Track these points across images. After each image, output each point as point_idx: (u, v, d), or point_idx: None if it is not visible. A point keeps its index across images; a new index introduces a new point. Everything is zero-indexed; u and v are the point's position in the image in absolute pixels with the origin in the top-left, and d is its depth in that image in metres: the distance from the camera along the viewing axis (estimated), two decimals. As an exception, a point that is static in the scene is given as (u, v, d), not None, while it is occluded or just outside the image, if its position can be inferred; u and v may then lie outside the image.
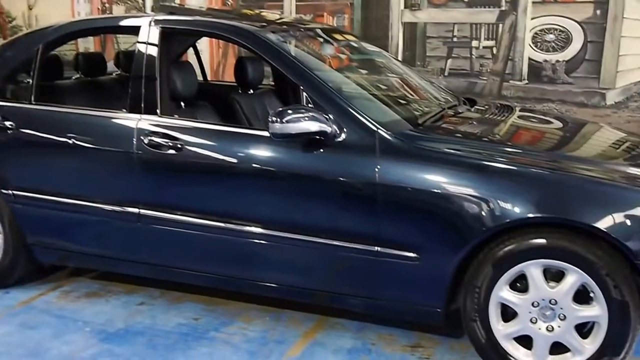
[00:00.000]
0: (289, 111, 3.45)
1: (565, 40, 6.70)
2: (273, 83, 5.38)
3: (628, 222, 3.06)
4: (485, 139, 3.80)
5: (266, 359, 3.64)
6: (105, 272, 4.57)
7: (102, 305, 4.26)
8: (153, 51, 4.00)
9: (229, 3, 7.83)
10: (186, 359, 3.63)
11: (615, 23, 6.45)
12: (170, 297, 4.36)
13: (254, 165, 3.65)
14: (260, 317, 4.08)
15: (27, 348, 3.75)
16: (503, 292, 3.28)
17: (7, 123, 4.21)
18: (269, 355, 3.66)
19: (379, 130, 3.46)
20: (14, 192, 4.24)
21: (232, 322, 4.03)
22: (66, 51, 5.13)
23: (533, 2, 6.78)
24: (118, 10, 8.31)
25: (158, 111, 3.91)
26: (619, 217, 3.07)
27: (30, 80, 4.31)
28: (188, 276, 4.03)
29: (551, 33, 6.75)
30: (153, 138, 3.83)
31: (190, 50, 5.61)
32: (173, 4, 7.34)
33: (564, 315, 3.20)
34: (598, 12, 6.54)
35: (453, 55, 7.22)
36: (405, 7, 7.29)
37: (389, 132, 3.46)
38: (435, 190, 3.30)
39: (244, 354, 3.68)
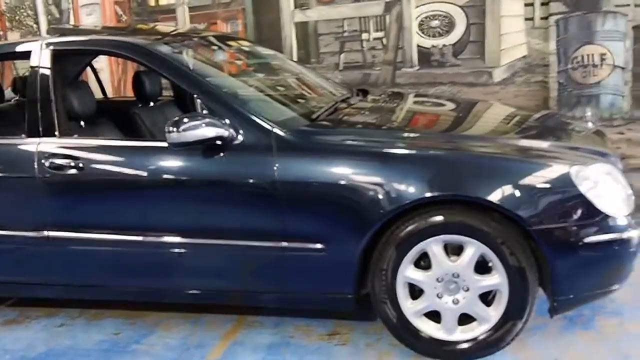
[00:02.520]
0: (185, 119, 3.37)
1: (449, 24, 6.74)
2: (173, 94, 5.27)
3: (518, 192, 3.10)
4: (380, 127, 3.83)
5: (188, 363, 3.57)
6: (23, 298, 4.41)
7: (21, 331, 4.11)
8: (46, 74, 3.87)
9: (123, 20, 7.67)
10: (109, 374, 3.55)
11: (493, 4, 6.52)
12: (89, 315, 4.22)
13: (156, 176, 3.57)
14: (180, 325, 3.99)
15: (-54, 382, 3.62)
16: (408, 272, 3.28)
17: None
18: (190, 360, 3.61)
19: (274, 129, 3.42)
20: None
21: (152, 333, 3.93)
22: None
23: (416, -8, 6.83)
24: (13, 36, 8.07)
25: (57, 133, 3.79)
26: (509, 188, 3.10)
27: None
28: (106, 292, 3.92)
29: (435, 19, 6.79)
30: (54, 160, 3.70)
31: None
32: (64, 26, 7.15)
33: (467, 287, 3.23)
34: (477, -5, 6.63)
35: (345, 49, 7.20)
36: (295, 8, 7.26)
37: (284, 130, 3.42)
38: (334, 181, 3.28)
39: (166, 362, 3.61)
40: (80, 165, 3.66)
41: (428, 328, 3.33)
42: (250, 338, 3.75)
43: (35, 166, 3.72)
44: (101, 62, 7.41)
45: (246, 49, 4.97)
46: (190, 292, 3.72)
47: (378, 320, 3.49)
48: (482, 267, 3.21)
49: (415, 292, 3.33)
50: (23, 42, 4.43)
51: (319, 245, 3.33)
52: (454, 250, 3.24)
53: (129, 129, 4.42)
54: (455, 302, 3.24)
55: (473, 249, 3.16)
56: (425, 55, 6.90)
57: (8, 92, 5.31)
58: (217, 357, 3.60)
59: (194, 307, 4.01)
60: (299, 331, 3.78)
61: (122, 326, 4.04)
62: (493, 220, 3.12)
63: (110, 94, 5.81)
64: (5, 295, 4.39)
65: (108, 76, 7.68)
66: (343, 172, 3.28)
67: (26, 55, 4.02)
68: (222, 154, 3.44)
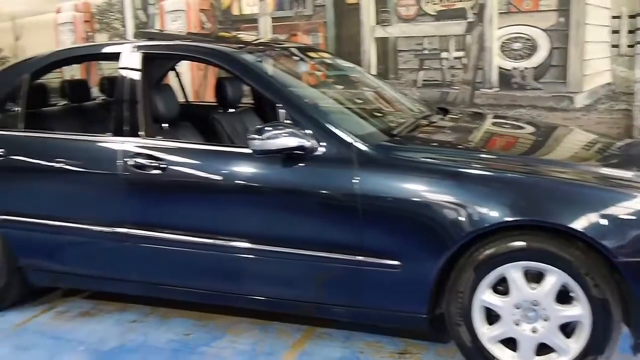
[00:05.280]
0: (268, 128, 3.35)
1: (531, 47, 6.62)
2: (253, 101, 5.26)
3: (603, 221, 2.96)
4: (460, 146, 3.72)
5: (256, 371, 3.51)
6: (97, 292, 4.42)
7: (95, 324, 4.13)
8: (134, 76, 3.92)
9: (207, 27, 7.72)
10: (178, 375, 3.52)
11: (578, 29, 6.39)
12: (160, 313, 4.21)
13: (235, 181, 3.56)
14: (249, 330, 3.93)
15: (22, 370, 3.64)
16: (485, 296, 3.16)
17: (-2, 150, 4.14)
18: (259, 368, 3.54)
19: (356, 143, 3.36)
20: (5, 216, 4.13)
21: (222, 336, 3.88)
22: (52, 79, 5.00)
23: (499, 13, 6.71)
24: (101, 38, 8.23)
25: (141, 133, 3.82)
26: (593, 216, 2.97)
27: (19, 109, 4.24)
28: (177, 293, 3.91)
29: (518, 41, 6.68)
30: (137, 159, 3.73)
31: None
32: (153, 30, 7.22)
33: (547, 316, 3.08)
34: (561, 19, 6.47)
35: (424, 67, 7.13)
36: (376, 24, 7.21)
37: (365, 144, 3.37)
38: (414, 199, 3.19)
39: (234, 367, 3.56)
40: (163, 165, 3.67)
41: (504, 355, 3.19)
42: (319, 350, 3.68)
43: (119, 164, 3.76)
44: (182, 67, 7.47)
45: (327, 60, 4.95)
46: (262, 298, 3.68)
47: (450, 343, 3.38)
48: (563, 296, 3.06)
49: (492, 317, 3.21)
50: (113, 44, 4.54)
51: (395, 262, 3.25)
52: (533, 277, 3.10)
53: (208, 133, 4.44)
54: (534, 330, 3.10)
55: (555, 278, 3.02)
56: (505, 77, 6.79)
57: (94, 92, 5.39)
58: (286, 366, 3.55)
59: (262, 313, 3.96)
60: (369, 347, 3.68)
61: (192, 327, 4.02)
62: (577, 250, 2.99)
63: (190, 98, 5.82)
64: (80, 287, 4.43)
65: (189, 80, 7.73)
66: (424, 190, 3.20)
67: (115, 56, 4.08)
68: (302, 164, 3.40)
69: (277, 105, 3.56)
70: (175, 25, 7.81)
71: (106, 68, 7.70)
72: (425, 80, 7.13)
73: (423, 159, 3.32)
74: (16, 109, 4.31)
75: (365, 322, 3.60)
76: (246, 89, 4.89)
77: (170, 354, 3.71)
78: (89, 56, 5.24)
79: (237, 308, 3.92)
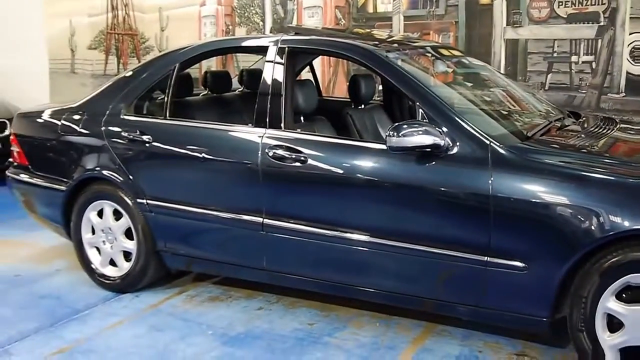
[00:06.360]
0: (405, 126, 3.47)
1: (663, 53, 6.49)
2: (381, 98, 5.39)
3: None
4: (595, 153, 3.71)
5: (378, 364, 3.61)
6: (226, 278, 4.62)
7: (223, 309, 4.32)
8: (279, 69, 4.09)
9: (342, 23, 7.92)
10: (302, 363, 3.65)
11: None
12: (286, 302, 4.38)
13: (371, 176, 3.69)
14: (371, 323, 4.06)
15: (156, 349, 3.84)
16: (610, 303, 3.16)
17: (145, 137, 4.35)
18: (381, 361, 3.64)
19: (492, 144, 3.44)
20: (148, 201, 4.36)
21: (344, 328, 4.01)
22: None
23: (631, 18, 6.60)
24: (240, 31, 8.51)
25: (282, 125, 3.98)
26: None
27: (165, 97, 4.46)
28: (303, 282, 4.06)
29: (649, 47, 6.56)
30: (277, 151, 3.89)
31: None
32: (298, 26, 7.49)
33: (675, 329, 3.03)
34: (699, 25, 6.31)
35: (553, 70, 7.09)
36: (507, 25, 7.23)
37: (501, 145, 3.43)
38: (546, 202, 3.25)
39: (357, 359, 3.67)
40: (302, 158, 3.83)
41: (624, 364, 3.17)
42: (439, 346, 3.77)
43: (259, 155, 3.93)
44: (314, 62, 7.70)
45: (462, 60, 5.01)
46: (385, 293, 3.80)
47: (568, 348, 3.43)
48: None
49: (614, 324, 3.20)
50: (259, 38, 4.79)
51: (521, 264, 3.32)
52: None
53: (339, 127, 4.58)
54: (660, 342, 3.07)
55: (686, 292, 2.98)
56: (633, 83, 6.64)
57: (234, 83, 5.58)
58: (407, 360, 3.64)
59: (383, 308, 4.07)
60: (488, 347, 3.75)
61: (316, 317, 4.16)
62: None
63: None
64: (212, 272, 4.63)
65: (320, 76, 7.96)
66: (557, 194, 3.24)
67: (260, 50, 4.30)
68: (434, 162, 3.50)
69: (408, 103, 3.65)
70: (311, 21, 8.01)
71: (242, 60, 7.99)
72: (552, 83, 7.07)
73: (557, 163, 3.36)
74: (162, 97, 4.55)
75: (485, 322, 3.67)
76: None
77: (295, 342, 3.87)
78: (236, 48, 5.43)
79: (358, 301, 4.05)
